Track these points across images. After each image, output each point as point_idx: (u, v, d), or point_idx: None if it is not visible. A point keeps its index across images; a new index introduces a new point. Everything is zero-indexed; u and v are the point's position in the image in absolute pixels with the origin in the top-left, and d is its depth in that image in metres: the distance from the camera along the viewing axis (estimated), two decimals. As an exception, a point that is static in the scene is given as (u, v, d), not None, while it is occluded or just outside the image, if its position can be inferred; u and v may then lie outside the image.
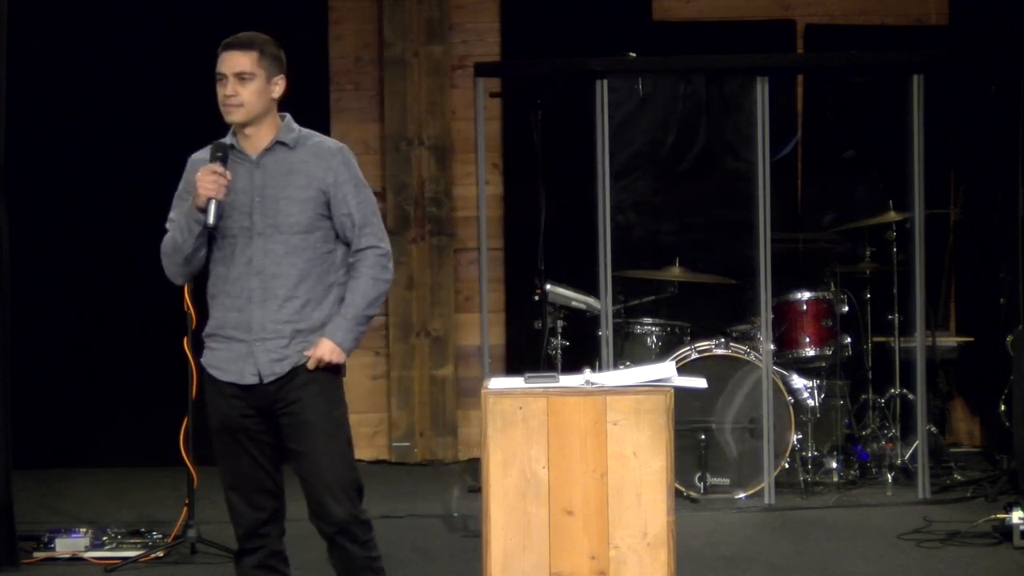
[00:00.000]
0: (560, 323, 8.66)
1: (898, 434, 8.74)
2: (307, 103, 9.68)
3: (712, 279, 9.02)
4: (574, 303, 8.73)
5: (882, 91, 9.23)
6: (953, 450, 9.34)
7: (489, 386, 4.74)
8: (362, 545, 5.25)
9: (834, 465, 8.66)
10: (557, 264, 8.88)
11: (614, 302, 8.51)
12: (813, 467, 8.62)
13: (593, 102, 8.28)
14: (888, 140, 8.87)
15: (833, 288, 8.75)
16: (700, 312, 9.05)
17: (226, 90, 5.13)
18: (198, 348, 7.26)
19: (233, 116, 5.16)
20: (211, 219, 5.07)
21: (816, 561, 7.15)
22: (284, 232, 5.13)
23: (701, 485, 8.36)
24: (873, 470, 8.73)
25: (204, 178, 5.06)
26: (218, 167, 5.08)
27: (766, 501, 8.24)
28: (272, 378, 5.13)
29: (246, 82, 5.13)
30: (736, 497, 8.33)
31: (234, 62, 5.14)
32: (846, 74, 9.54)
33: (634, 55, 8.64)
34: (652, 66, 9.05)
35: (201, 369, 5.35)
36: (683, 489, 8.25)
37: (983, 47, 9.44)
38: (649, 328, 8.74)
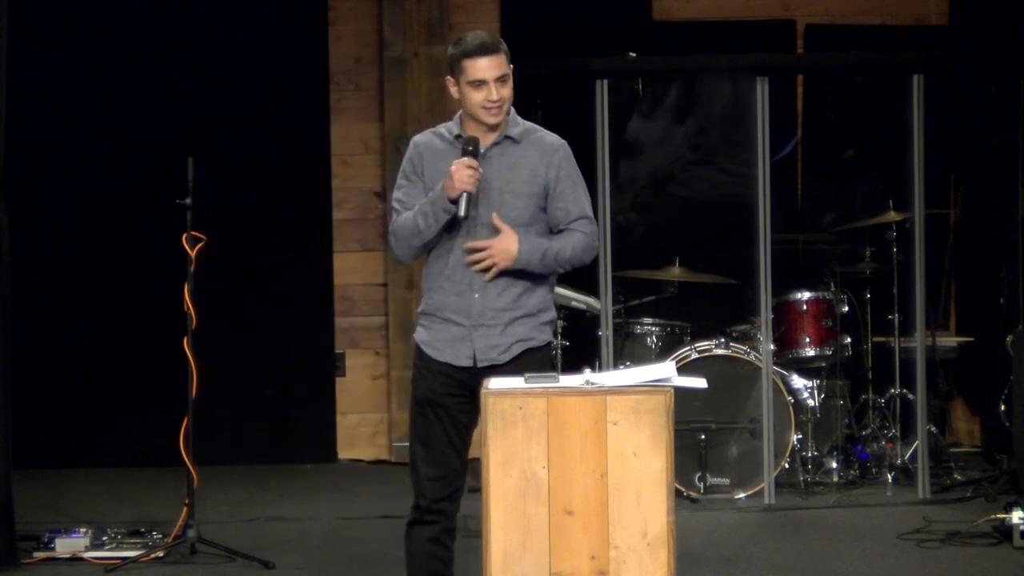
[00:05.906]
0: (560, 323, 8.65)
1: (898, 434, 8.73)
2: (307, 103, 9.78)
3: (712, 279, 9.02)
4: (574, 303, 8.73)
5: (882, 91, 9.22)
6: (953, 450, 9.33)
7: (489, 386, 4.73)
8: None
9: (834, 465, 8.66)
10: (557, 264, 8.87)
11: (614, 302, 8.51)
12: (813, 467, 8.62)
13: (593, 102, 8.28)
14: (888, 140, 8.87)
15: (833, 288, 8.75)
16: (700, 312, 9.06)
17: (492, 96, 5.20)
18: (198, 348, 7.30)
19: (497, 118, 5.25)
20: (462, 211, 5.19)
21: (816, 561, 7.15)
22: (506, 224, 5.22)
23: (701, 485, 8.36)
24: (873, 470, 8.73)
25: (459, 172, 5.15)
26: (472, 161, 5.18)
27: (766, 501, 8.24)
28: (486, 363, 5.23)
29: (506, 83, 5.23)
30: (736, 497, 8.33)
31: (496, 66, 5.20)
32: (846, 74, 9.54)
33: (634, 55, 8.64)
34: (652, 66, 9.05)
35: (415, 346, 5.43)
36: (683, 489, 8.25)
37: (983, 47, 9.43)
38: (649, 328, 8.74)
